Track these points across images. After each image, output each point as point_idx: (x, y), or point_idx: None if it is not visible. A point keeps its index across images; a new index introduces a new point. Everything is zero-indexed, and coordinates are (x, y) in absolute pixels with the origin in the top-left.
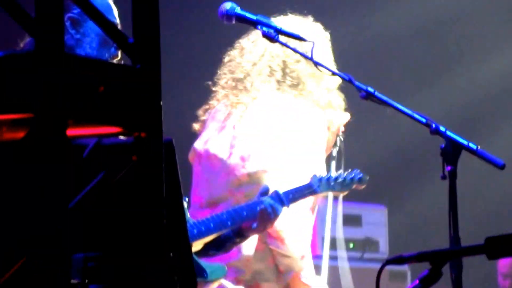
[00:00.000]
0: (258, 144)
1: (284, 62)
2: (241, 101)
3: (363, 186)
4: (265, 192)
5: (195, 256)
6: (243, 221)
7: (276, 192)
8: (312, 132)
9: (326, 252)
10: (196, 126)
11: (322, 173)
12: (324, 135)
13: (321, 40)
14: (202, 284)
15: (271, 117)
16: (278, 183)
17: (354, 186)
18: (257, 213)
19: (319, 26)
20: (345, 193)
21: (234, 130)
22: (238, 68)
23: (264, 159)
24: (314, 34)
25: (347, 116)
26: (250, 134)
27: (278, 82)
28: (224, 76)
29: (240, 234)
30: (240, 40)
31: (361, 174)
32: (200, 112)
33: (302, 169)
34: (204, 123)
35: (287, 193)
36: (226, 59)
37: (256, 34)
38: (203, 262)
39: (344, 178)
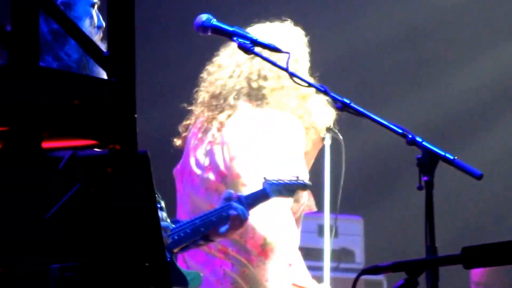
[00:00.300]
0: (236, 158)
1: (258, 75)
2: (217, 117)
3: (306, 191)
4: (229, 197)
5: (177, 264)
6: (213, 226)
7: (241, 197)
8: (289, 142)
9: (327, 261)
10: (177, 142)
11: (273, 177)
12: (302, 143)
13: (298, 44)
14: None
15: (248, 131)
16: None
17: (297, 191)
18: (225, 217)
19: (298, 31)
20: (291, 197)
21: (211, 146)
22: (214, 84)
23: (243, 173)
24: (292, 39)
25: (331, 113)
26: (228, 149)
27: (252, 96)
28: (200, 92)
29: (206, 238)
30: (216, 55)
31: (304, 181)
32: (181, 128)
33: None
34: (185, 139)
35: (245, 198)
36: (204, 74)
37: (231, 49)
38: (183, 270)
39: (289, 183)
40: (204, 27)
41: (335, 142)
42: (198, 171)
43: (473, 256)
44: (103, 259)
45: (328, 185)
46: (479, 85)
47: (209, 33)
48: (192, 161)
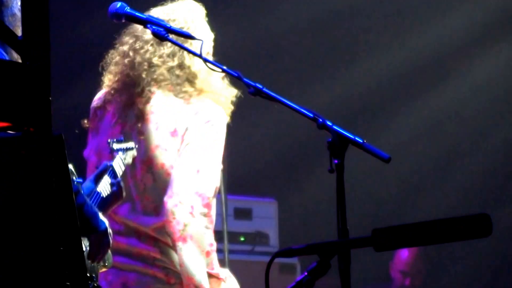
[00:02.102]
0: (158, 148)
1: (178, 62)
2: (134, 102)
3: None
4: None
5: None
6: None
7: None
8: (211, 130)
9: (226, 244)
10: (86, 123)
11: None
12: (224, 131)
13: (198, 17)
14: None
15: (165, 117)
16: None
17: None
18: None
19: (198, 7)
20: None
21: (125, 132)
22: (130, 68)
23: (167, 162)
24: (191, 12)
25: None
26: (148, 138)
27: (173, 83)
28: (113, 75)
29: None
30: (129, 40)
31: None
32: (92, 111)
33: (205, 170)
34: (96, 122)
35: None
36: (118, 56)
37: (148, 33)
38: None
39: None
40: (118, 14)
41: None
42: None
43: (384, 238)
44: (16, 244)
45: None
46: (387, 70)
47: (123, 21)
48: (104, 147)
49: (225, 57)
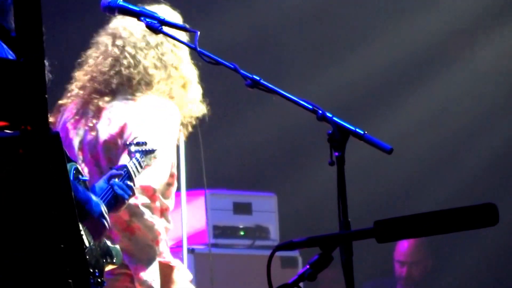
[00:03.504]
0: (101, 139)
1: (136, 61)
2: (95, 102)
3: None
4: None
5: (108, 242)
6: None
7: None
8: (166, 128)
9: (185, 240)
10: (50, 119)
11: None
12: (173, 127)
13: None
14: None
15: (117, 114)
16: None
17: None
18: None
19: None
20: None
21: (79, 128)
22: (94, 67)
23: (110, 155)
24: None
25: (202, 110)
26: (95, 131)
27: (133, 84)
28: (81, 76)
29: None
30: (99, 39)
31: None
32: (56, 106)
33: (161, 166)
34: (57, 118)
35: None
36: (86, 55)
37: (113, 34)
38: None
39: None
40: (111, 7)
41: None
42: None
43: (386, 230)
44: (16, 242)
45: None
46: (387, 60)
47: (116, 14)
48: (75, 141)
49: (221, 49)
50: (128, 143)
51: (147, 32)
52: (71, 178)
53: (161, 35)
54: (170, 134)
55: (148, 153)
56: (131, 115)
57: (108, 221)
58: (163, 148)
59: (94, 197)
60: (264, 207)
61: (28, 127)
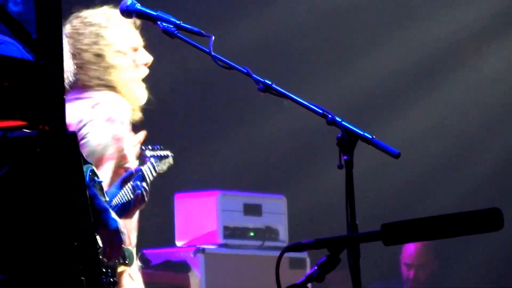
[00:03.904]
0: None
1: (94, 56)
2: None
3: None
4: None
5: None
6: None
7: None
8: (108, 122)
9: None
10: None
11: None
12: (120, 124)
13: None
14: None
15: (73, 109)
16: None
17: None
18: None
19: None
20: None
21: None
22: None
23: None
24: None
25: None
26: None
27: (86, 77)
28: None
29: None
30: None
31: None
32: None
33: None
34: None
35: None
36: None
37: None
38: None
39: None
40: (129, 11)
41: None
42: None
43: (393, 233)
44: (31, 240)
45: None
46: (397, 67)
47: (134, 17)
48: None
49: (234, 54)
50: (143, 147)
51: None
52: (87, 180)
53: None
54: (115, 132)
55: (162, 158)
56: (82, 111)
57: (124, 236)
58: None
59: (112, 212)
60: (274, 208)
61: (45, 127)
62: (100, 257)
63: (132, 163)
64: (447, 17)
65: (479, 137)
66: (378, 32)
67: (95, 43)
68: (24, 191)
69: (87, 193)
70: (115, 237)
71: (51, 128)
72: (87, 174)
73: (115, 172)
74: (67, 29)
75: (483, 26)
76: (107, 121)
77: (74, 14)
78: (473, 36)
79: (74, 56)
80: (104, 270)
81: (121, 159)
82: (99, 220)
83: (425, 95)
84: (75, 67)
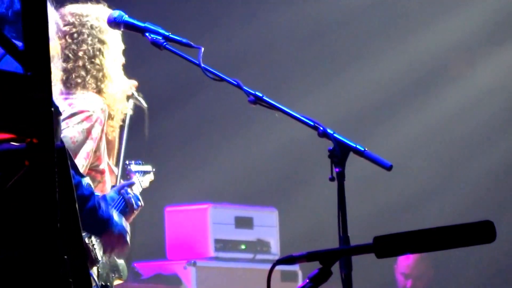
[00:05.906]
0: None
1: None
2: None
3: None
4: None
5: (115, 258)
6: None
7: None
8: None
9: None
10: None
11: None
12: (90, 124)
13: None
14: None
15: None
16: None
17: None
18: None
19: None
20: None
21: None
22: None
23: None
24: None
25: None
26: None
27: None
28: None
29: None
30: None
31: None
32: None
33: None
34: None
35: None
36: None
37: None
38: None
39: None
40: (116, 23)
41: (139, 109)
42: None
43: (385, 245)
44: (20, 253)
45: (122, 155)
46: (389, 77)
47: (122, 29)
48: None
49: (224, 65)
50: (127, 162)
51: None
52: (89, 191)
53: None
54: (85, 132)
55: (145, 173)
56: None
57: (128, 238)
58: (75, 148)
59: (115, 215)
60: (265, 221)
61: (34, 140)
62: (100, 271)
63: (104, 166)
64: (439, 28)
65: (471, 149)
66: (370, 43)
67: (94, 49)
68: (13, 204)
69: (88, 203)
70: (121, 240)
71: (39, 141)
72: (85, 185)
73: (87, 174)
74: (60, 21)
75: (474, 38)
76: (84, 120)
77: (70, 12)
78: (465, 48)
79: (68, 57)
80: (103, 283)
81: (95, 159)
82: (104, 230)
83: (418, 106)
84: (69, 67)
